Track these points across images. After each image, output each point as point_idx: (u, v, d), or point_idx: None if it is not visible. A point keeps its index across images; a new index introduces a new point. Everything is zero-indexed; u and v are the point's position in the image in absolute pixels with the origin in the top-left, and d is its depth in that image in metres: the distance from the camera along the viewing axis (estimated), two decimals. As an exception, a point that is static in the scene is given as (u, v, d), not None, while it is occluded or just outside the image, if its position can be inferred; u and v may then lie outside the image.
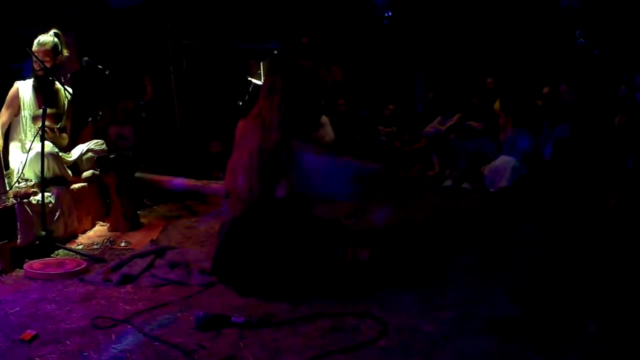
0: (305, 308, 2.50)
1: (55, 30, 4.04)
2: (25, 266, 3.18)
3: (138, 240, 3.91)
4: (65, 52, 4.07)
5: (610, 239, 3.72)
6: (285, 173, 2.78)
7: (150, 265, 3.15)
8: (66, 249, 3.59)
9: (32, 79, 4.06)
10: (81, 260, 3.30)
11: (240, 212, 2.84)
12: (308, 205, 2.98)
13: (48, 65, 3.87)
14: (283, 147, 2.81)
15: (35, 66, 3.93)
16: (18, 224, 3.39)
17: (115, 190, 4.24)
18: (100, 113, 4.85)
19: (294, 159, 2.79)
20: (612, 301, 2.55)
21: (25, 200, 3.50)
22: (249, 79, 7.19)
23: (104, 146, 4.43)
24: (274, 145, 2.82)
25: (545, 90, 6.67)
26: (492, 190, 5.74)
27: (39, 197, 3.54)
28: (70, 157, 4.22)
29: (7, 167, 3.88)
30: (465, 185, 5.94)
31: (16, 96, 4.01)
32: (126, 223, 4.19)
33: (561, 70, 7.51)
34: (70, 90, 4.10)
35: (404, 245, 3.63)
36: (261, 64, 8.02)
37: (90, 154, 4.31)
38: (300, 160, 2.80)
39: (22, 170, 3.78)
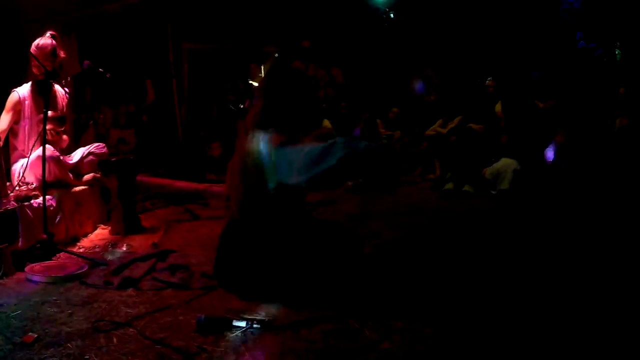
0: (308, 311, 2.49)
1: (51, 32, 4.00)
2: (26, 269, 3.17)
3: (140, 243, 3.90)
4: (62, 54, 4.05)
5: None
6: (267, 170, 2.69)
7: (152, 269, 3.14)
8: (67, 252, 3.57)
9: (28, 84, 4.00)
10: (83, 263, 3.29)
11: (236, 214, 2.83)
12: (301, 202, 2.93)
13: (49, 68, 3.85)
14: (260, 145, 2.71)
15: (35, 70, 3.88)
16: (19, 227, 3.38)
17: (117, 193, 4.23)
18: (102, 116, 4.85)
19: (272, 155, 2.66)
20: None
21: (26, 204, 3.49)
22: (250, 82, 7.20)
23: (105, 149, 4.42)
24: (253, 144, 2.75)
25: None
26: (493, 192, 5.73)
27: (40, 200, 3.53)
28: (71, 160, 4.21)
29: (8, 171, 3.86)
30: (466, 188, 5.93)
31: (19, 102, 3.95)
32: (128, 226, 4.18)
33: (562, 72, 7.51)
34: (67, 91, 4.08)
35: (406, 249, 3.62)
36: (262, 67, 8.04)
37: (91, 157, 4.29)
38: (279, 154, 2.65)
39: (23, 173, 3.77)
